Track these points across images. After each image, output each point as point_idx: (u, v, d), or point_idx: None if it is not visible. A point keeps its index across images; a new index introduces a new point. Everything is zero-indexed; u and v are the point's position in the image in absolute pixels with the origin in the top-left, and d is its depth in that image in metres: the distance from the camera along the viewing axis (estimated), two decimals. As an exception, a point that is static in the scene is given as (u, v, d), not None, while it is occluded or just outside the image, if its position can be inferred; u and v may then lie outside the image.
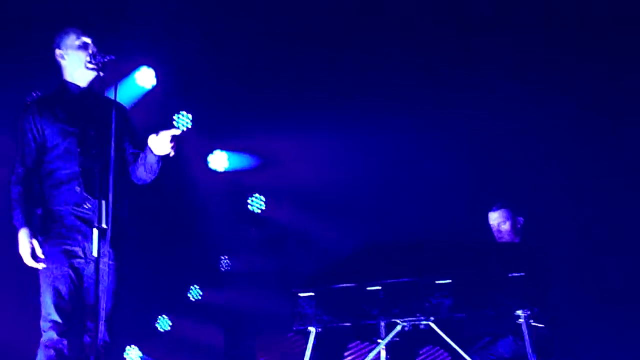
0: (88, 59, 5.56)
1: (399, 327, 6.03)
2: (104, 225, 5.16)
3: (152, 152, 5.49)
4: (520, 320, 5.71)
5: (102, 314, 5.23)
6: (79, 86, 5.67)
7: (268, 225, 10.21)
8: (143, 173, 5.64)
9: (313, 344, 6.14)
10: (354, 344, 9.43)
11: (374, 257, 6.37)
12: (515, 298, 5.71)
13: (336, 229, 9.55)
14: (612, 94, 8.62)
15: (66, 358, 5.34)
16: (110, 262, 5.45)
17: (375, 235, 8.89)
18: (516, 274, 5.71)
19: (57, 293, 5.41)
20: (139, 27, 8.40)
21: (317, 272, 6.46)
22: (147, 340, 9.33)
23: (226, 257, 10.14)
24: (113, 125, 5.19)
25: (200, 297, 9.87)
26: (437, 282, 5.83)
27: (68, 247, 5.47)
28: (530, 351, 5.70)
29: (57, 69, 5.77)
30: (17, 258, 5.50)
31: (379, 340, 6.33)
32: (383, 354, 6.31)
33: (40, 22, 7.52)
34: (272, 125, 9.53)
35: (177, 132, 5.44)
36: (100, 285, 5.15)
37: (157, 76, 8.97)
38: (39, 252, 5.40)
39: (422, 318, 5.89)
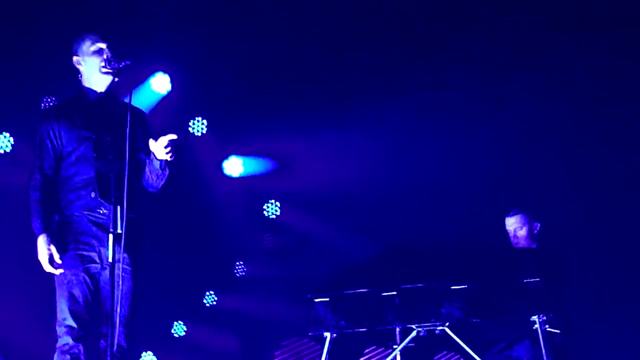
0: (103, 64, 5.59)
1: (414, 333, 6.02)
2: (119, 231, 5.18)
3: (155, 157, 5.51)
4: (535, 326, 5.70)
5: (117, 319, 5.23)
6: (96, 92, 5.68)
7: (283, 230, 10.21)
8: (150, 178, 5.64)
9: (328, 350, 6.13)
10: (369, 350, 9.42)
11: (390, 262, 6.37)
12: (531, 304, 5.71)
13: (352, 234, 9.55)
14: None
15: (82, 363, 5.36)
16: (126, 267, 5.46)
17: (391, 240, 8.88)
18: (531, 280, 5.70)
19: (72, 298, 5.42)
20: (154, 33, 8.41)
21: (333, 277, 6.46)
22: (163, 346, 9.32)
23: (241, 262, 10.13)
24: (127, 130, 5.21)
25: (215, 303, 9.87)
26: (452, 287, 5.83)
27: (84, 253, 5.48)
28: (545, 357, 5.68)
29: (76, 75, 5.80)
30: (34, 263, 5.52)
31: (395, 346, 6.33)
32: (398, 359, 6.30)
33: (57, 30, 7.55)
34: (287, 129, 9.53)
35: (173, 137, 5.44)
36: (116, 291, 5.16)
37: (172, 82, 8.99)
38: (57, 257, 5.42)
39: (438, 323, 5.88)
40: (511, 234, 7.43)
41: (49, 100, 8.07)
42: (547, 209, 7.71)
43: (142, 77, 8.79)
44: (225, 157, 9.86)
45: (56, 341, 5.42)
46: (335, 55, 9.11)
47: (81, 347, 5.37)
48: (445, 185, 9.21)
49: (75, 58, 5.73)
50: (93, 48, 5.66)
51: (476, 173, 9.08)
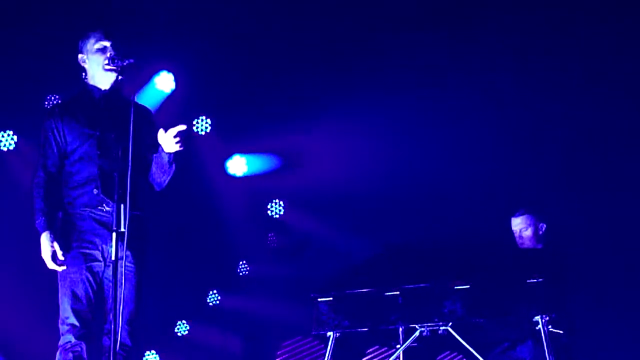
0: (106, 62, 5.60)
1: (417, 333, 6.02)
2: (122, 229, 5.17)
3: (163, 150, 5.50)
4: (538, 326, 5.69)
5: (120, 317, 5.23)
6: (100, 89, 5.69)
7: (287, 230, 10.20)
8: (157, 174, 5.65)
9: (331, 349, 6.13)
10: (372, 349, 9.42)
11: (393, 262, 6.37)
12: (534, 304, 5.70)
13: (355, 233, 9.54)
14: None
15: (84, 361, 5.36)
16: (130, 265, 5.46)
17: (395, 240, 8.88)
18: (534, 280, 5.69)
19: (74, 297, 5.42)
20: (158, 31, 8.42)
21: (336, 277, 6.47)
22: (166, 345, 9.32)
23: (245, 262, 10.13)
24: (131, 127, 5.21)
25: (218, 302, 9.87)
26: (455, 287, 5.82)
27: (87, 251, 5.48)
28: (548, 358, 5.68)
29: (80, 74, 5.81)
30: (36, 261, 5.52)
31: (398, 346, 6.32)
32: (401, 359, 6.30)
33: (61, 29, 7.56)
34: (291, 128, 9.53)
35: (182, 127, 5.45)
36: (119, 289, 5.16)
37: (176, 80, 8.99)
38: (60, 255, 5.42)
39: (441, 323, 5.88)
40: (517, 234, 7.42)
41: (53, 98, 8.08)
42: (552, 209, 7.68)
43: (146, 76, 8.79)
44: (230, 156, 9.86)
45: (58, 339, 5.42)
46: (339, 53, 9.12)
47: (83, 346, 5.37)
48: (449, 185, 9.21)
49: (80, 56, 5.75)
50: (97, 46, 5.67)
51: (480, 173, 9.07)
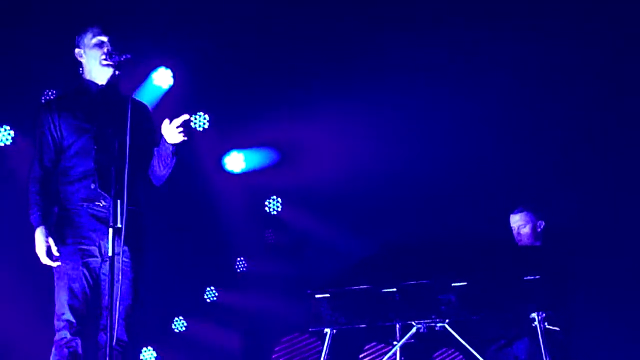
0: (104, 57, 5.59)
1: (414, 329, 6.02)
2: (118, 225, 5.17)
3: (166, 142, 5.50)
4: (535, 323, 5.69)
5: (117, 313, 5.22)
6: (97, 84, 5.68)
7: (284, 227, 10.20)
8: (157, 167, 5.64)
9: (328, 346, 6.13)
10: (369, 346, 9.43)
11: (390, 259, 6.38)
12: (530, 301, 5.70)
13: (352, 230, 9.55)
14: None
15: (79, 357, 5.35)
16: (127, 261, 5.46)
17: (393, 237, 8.88)
18: (531, 277, 5.69)
19: (71, 293, 5.41)
20: (156, 27, 8.41)
21: (333, 273, 6.47)
22: (163, 341, 9.32)
23: (242, 258, 10.13)
24: (128, 122, 5.21)
25: (216, 299, 9.86)
26: (452, 284, 5.82)
27: (83, 247, 5.47)
28: (545, 355, 5.68)
29: (77, 68, 5.81)
30: (31, 257, 5.51)
31: (395, 342, 6.32)
32: (398, 355, 6.30)
33: (58, 24, 7.55)
34: (289, 124, 9.53)
35: (186, 117, 5.45)
36: (116, 285, 5.16)
37: (174, 76, 8.98)
38: (54, 250, 5.41)
39: (438, 320, 5.88)
40: (515, 231, 7.43)
41: (50, 93, 8.06)
42: (550, 206, 7.69)
43: (144, 72, 8.78)
44: (228, 152, 9.85)
45: (54, 335, 5.41)
46: (338, 51, 9.12)
47: (79, 341, 5.36)
48: (447, 182, 9.21)
49: (76, 50, 5.74)
50: (94, 41, 5.66)
51: (479, 170, 9.07)
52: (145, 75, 8.81)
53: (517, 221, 7.44)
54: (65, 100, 5.71)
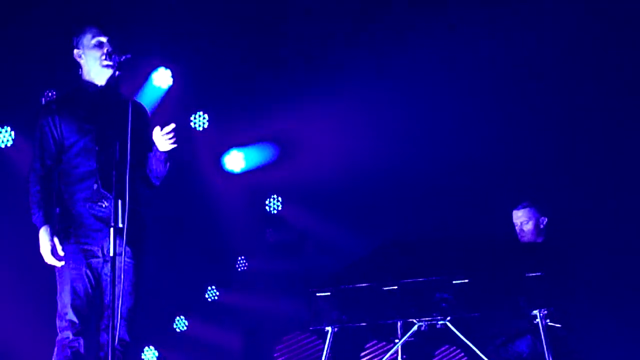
0: (103, 57, 5.59)
1: (415, 327, 6.02)
2: (120, 225, 5.17)
3: (158, 150, 5.51)
4: (536, 320, 5.69)
5: (119, 313, 5.22)
6: (96, 85, 5.67)
7: (285, 225, 10.20)
8: (154, 168, 5.64)
9: (330, 344, 6.13)
10: (370, 344, 9.43)
11: (391, 257, 6.38)
12: (532, 298, 5.71)
13: (353, 228, 9.55)
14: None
15: (82, 357, 5.35)
16: (129, 260, 5.45)
17: (394, 234, 8.87)
18: (533, 274, 5.70)
19: (74, 293, 5.41)
20: (156, 27, 8.41)
21: (334, 271, 6.47)
22: (164, 340, 9.32)
23: (243, 257, 10.13)
24: (129, 122, 5.21)
25: (217, 298, 9.87)
26: (454, 281, 5.82)
27: (86, 247, 5.47)
28: (546, 351, 5.68)
29: (77, 69, 5.80)
30: (32, 257, 5.51)
31: (396, 340, 6.32)
32: (400, 353, 6.30)
33: (58, 24, 7.55)
34: (289, 123, 9.53)
35: (173, 126, 5.44)
36: (117, 285, 5.16)
37: (173, 76, 8.97)
38: (59, 249, 5.41)
39: (439, 318, 5.88)
40: (518, 227, 7.43)
41: (50, 93, 8.06)
42: (553, 203, 7.68)
43: (143, 72, 8.78)
44: (227, 151, 9.85)
45: (56, 335, 5.41)
46: (337, 48, 9.12)
47: (81, 341, 5.36)
48: (449, 179, 9.21)
49: (75, 51, 5.72)
50: (94, 41, 5.65)
51: (481, 166, 9.07)
52: (145, 75, 8.80)
53: (520, 217, 7.43)
54: (65, 101, 5.70)
